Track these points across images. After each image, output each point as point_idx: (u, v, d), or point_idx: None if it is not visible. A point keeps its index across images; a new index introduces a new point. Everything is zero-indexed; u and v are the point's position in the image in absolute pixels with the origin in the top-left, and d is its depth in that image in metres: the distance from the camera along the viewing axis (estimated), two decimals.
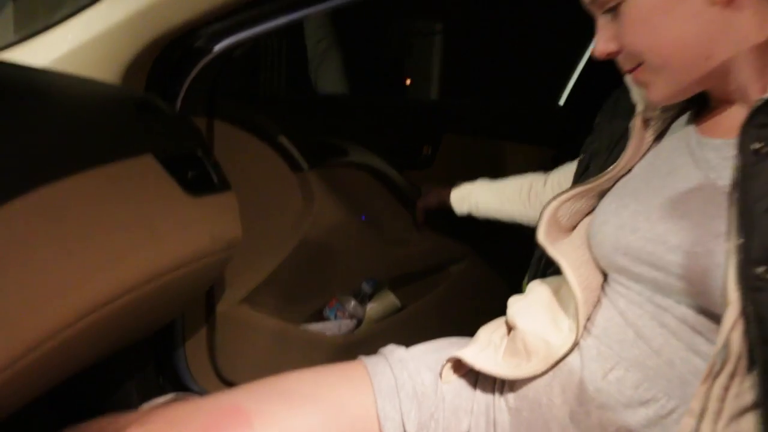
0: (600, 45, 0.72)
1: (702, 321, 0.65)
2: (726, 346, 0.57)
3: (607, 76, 0.89)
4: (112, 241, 0.79)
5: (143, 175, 0.89)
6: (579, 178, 0.90)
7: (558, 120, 1.94)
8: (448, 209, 1.38)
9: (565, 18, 2.17)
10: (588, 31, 1.74)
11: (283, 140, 1.33)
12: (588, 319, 0.77)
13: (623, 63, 0.73)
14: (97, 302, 0.75)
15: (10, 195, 0.67)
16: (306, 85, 1.93)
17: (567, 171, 1.14)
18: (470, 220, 1.38)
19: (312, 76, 1.94)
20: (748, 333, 0.56)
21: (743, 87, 0.69)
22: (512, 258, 1.73)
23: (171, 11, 0.95)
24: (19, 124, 0.75)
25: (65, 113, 0.85)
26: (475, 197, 1.31)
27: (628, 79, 0.81)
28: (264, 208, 1.32)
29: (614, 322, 0.74)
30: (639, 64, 0.70)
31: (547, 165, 1.74)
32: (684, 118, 0.80)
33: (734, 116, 0.69)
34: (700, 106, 0.78)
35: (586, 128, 0.97)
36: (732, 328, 0.57)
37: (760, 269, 0.56)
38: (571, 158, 1.07)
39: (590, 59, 1.90)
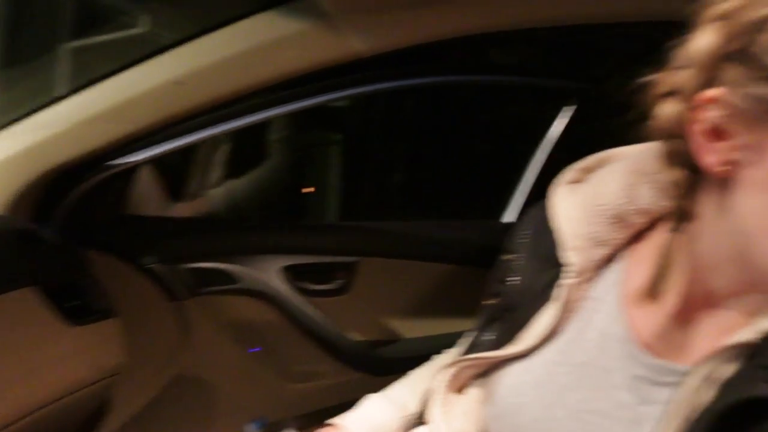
0: None
1: None
2: None
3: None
4: None
5: (23, 308, 0.90)
6: (487, 326, 0.77)
7: (495, 237, 1.89)
8: None
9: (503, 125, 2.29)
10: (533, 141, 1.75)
11: (161, 267, 1.32)
12: None
13: None
14: None
15: None
16: (198, 205, 1.96)
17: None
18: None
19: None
20: None
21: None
22: None
23: (59, 148, 1.02)
24: None
25: None
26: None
27: (563, 228, 0.68)
28: (135, 341, 1.29)
29: None
30: None
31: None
32: (609, 278, 0.67)
33: (689, 336, 0.59)
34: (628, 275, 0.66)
35: None
36: None
37: None
38: None
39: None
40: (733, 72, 0.48)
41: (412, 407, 0.87)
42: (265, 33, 0.99)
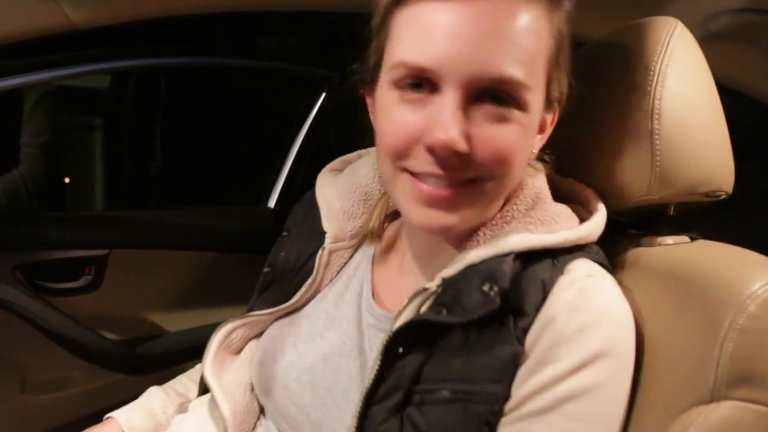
0: (455, 134, 0.56)
1: None
2: None
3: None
4: None
5: None
6: (260, 295, 0.85)
7: (262, 222, 1.88)
8: None
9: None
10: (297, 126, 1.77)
11: None
12: None
13: (452, 174, 0.59)
14: None
15: None
16: None
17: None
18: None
19: None
20: None
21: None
22: None
23: None
24: None
25: None
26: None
27: (323, 205, 0.80)
28: None
29: None
30: (469, 181, 0.60)
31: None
32: (367, 251, 0.79)
33: (406, 289, 0.68)
34: (385, 245, 0.79)
35: None
36: None
37: None
38: None
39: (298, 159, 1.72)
40: None
41: (192, 395, 0.91)
42: None
